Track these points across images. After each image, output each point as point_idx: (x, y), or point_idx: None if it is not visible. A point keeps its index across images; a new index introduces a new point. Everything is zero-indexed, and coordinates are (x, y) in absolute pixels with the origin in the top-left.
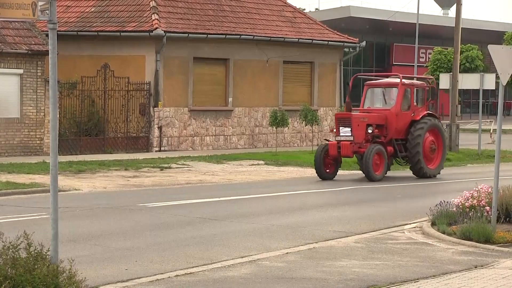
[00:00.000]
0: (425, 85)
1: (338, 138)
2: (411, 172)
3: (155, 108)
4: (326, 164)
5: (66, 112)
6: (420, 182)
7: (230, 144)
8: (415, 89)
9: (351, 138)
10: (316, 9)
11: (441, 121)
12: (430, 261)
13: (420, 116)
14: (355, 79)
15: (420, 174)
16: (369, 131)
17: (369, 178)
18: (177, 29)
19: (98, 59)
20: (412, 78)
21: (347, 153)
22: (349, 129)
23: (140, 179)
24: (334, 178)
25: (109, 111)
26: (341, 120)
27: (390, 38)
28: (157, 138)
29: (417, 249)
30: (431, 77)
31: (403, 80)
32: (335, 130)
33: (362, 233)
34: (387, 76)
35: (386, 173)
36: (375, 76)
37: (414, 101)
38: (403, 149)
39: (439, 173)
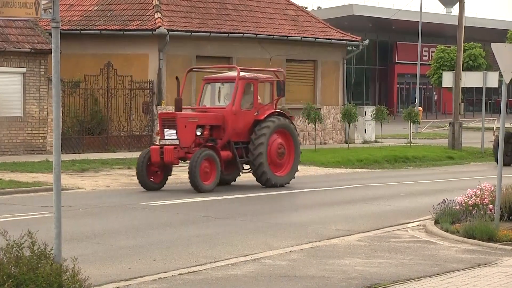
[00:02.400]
0: (273, 79)
1: (163, 141)
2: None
3: (158, 106)
4: (151, 172)
5: (69, 110)
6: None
7: None
8: (260, 83)
9: (177, 142)
10: (319, 7)
11: (446, 119)
12: (433, 259)
13: (265, 115)
14: (190, 73)
15: (264, 182)
16: (198, 133)
17: (196, 188)
18: (180, 28)
19: (101, 58)
20: (255, 71)
21: (170, 159)
22: (175, 131)
23: None
24: (162, 188)
25: (112, 110)
26: (166, 121)
27: (393, 36)
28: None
29: (420, 247)
30: (280, 69)
31: (243, 73)
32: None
33: (365, 232)
34: (229, 69)
35: (217, 183)
36: (213, 69)
37: (259, 97)
38: (244, 153)
39: (288, 183)
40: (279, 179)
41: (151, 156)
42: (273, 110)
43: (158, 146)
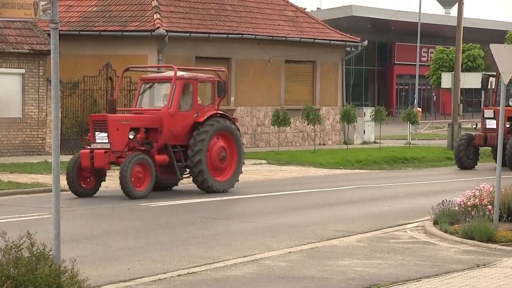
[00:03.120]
0: (214, 79)
1: (94, 145)
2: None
3: None
4: (83, 178)
5: (68, 111)
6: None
7: None
8: (200, 84)
9: (108, 146)
10: (318, 8)
11: (445, 120)
12: (432, 260)
13: (205, 117)
14: (127, 72)
15: (205, 187)
16: (131, 136)
17: (128, 195)
18: (179, 29)
19: (100, 59)
20: (195, 71)
21: (101, 164)
22: (106, 134)
23: None
24: (94, 195)
25: None
26: (97, 124)
27: (392, 37)
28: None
29: (419, 248)
30: (222, 69)
31: (181, 73)
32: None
33: (364, 232)
34: (165, 69)
35: (152, 188)
36: (151, 68)
37: (199, 98)
38: (183, 157)
39: (232, 187)
40: (221, 185)
41: (81, 161)
42: (214, 112)
43: (89, 150)
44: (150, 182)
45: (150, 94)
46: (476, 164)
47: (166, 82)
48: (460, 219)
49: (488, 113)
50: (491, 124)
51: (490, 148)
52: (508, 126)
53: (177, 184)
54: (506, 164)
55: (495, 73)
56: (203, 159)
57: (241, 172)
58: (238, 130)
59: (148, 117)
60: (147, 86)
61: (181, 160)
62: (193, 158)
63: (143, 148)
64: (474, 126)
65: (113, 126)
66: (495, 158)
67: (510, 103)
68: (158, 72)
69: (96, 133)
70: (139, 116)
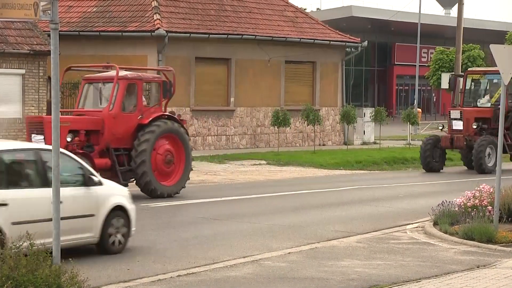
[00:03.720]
0: (160, 79)
1: None
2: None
3: None
4: None
5: (67, 113)
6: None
7: (232, 144)
8: (144, 83)
9: None
10: (318, 8)
11: (445, 121)
12: (432, 261)
13: (150, 119)
14: (69, 71)
15: (149, 192)
16: (68, 139)
17: None
18: (179, 29)
19: (100, 59)
20: (140, 70)
21: None
22: (42, 137)
23: None
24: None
25: None
26: (33, 126)
27: (392, 38)
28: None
29: (419, 249)
30: (170, 68)
31: (124, 73)
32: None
33: (364, 233)
34: (108, 68)
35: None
36: (92, 67)
37: (144, 99)
38: (127, 161)
39: (178, 192)
40: (167, 189)
41: None
42: (160, 113)
43: None
44: None
45: (94, 95)
46: (442, 168)
47: (110, 82)
48: (460, 220)
49: (455, 114)
50: (457, 125)
51: (458, 150)
52: (475, 127)
53: (126, 186)
54: (473, 166)
55: (463, 73)
56: (147, 160)
57: (189, 178)
58: (187, 133)
59: (89, 118)
60: (91, 86)
61: (124, 164)
62: (137, 159)
63: (81, 151)
64: (440, 128)
65: (49, 128)
66: (463, 160)
67: (478, 104)
68: (102, 72)
69: (33, 135)
70: (79, 118)
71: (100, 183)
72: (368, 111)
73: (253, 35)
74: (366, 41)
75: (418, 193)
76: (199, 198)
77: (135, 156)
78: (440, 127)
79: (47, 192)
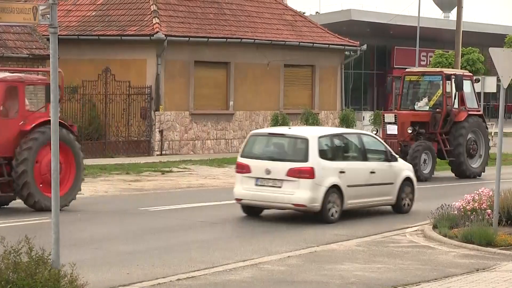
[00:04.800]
0: (45, 81)
1: None
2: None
3: (156, 112)
4: None
5: (67, 116)
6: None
7: (231, 148)
8: (28, 86)
9: None
10: (317, 12)
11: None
12: (431, 264)
13: (33, 125)
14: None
15: (31, 203)
16: None
17: None
18: (178, 33)
19: (99, 63)
20: (21, 71)
21: None
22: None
23: (142, 183)
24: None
25: (110, 115)
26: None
27: (391, 41)
28: (158, 142)
29: (418, 252)
30: (60, 70)
31: (3, 74)
32: None
33: (364, 237)
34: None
35: None
36: None
37: (27, 103)
38: (5, 171)
39: (67, 205)
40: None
41: None
42: (46, 119)
43: None
44: None
45: None
46: None
47: None
48: (460, 223)
49: (389, 117)
50: (391, 129)
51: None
52: (410, 131)
53: (15, 199)
54: None
55: (400, 75)
56: (28, 170)
57: (80, 189)
58: (78, 140)
59: None
60: None
61: (3, 174)
62: (17, 168)
63: None
64: (374, 132)
65: None
66: None
67: (415, 107)
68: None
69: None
70: None
71: (396, 160)
72: (367, 115)
73: (252, 39)
74: (365, 45)
75: (417, 197)
76: (198, 202)
77: (16, 165)
78: (374, 132)
79: (365, 164)
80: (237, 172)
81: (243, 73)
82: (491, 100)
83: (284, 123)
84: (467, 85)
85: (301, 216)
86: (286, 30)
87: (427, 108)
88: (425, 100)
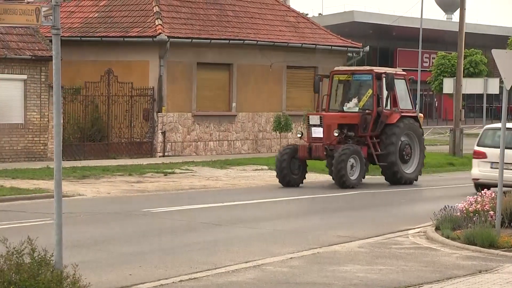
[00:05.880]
0: None
1: None
2: None
3: (159, 113)
4: None
5: (69, 117)
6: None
7: (233, 149)
8: None
9: None
10: (320, 14)
11: (447, 126)
12: (434, 265)
13: None
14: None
15: None
16: None
17: None
18: (180, 34)
19: (102, 65)
20: None
21: None
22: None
23: (144, 184)
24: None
25: (113, 117)
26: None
27: (393, 43)
28: (160, 143)
29: (421, 254)
30: None
31: None
32: None
33: (366, 238)
34: None
35: None
36: None
37: None
38: None
39: None
40: None
41: None
42: None
43: None
44: None
45: None
46: (302, 181)
47: None
48: (462, 225)
49: (314, 119)
50: (317, 132)
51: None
52: (336, 134)
53: None
54: (333, 178)
55: (328, 74)
56: None
57: None
58: None
59: None
60: None
61: None
62: None
63: None
64: (299, 135)
65: None
66: (330, 174)
67: (344, 108)
68: None
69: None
70: None
71: None
72: None
73: (254, 41)
74: (368, 46)
75: (420, 198)
76: (201, 203)
77: None
78: (299, 135)
79: None
80: (474, 158)
81: (245, 74)
82: (494, 102)
83: (287, 125)
84: (400, 85)
85: (304, 218)
86: (289, 31)
87: (356, 109)
88: (355, 101)
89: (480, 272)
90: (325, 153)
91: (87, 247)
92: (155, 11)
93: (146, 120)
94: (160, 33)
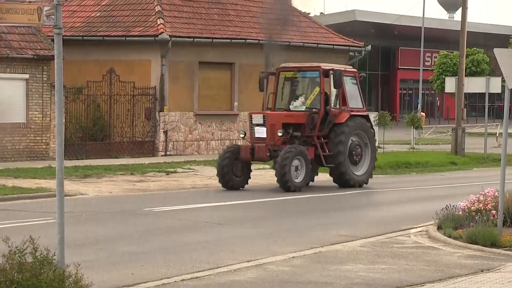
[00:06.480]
0: None
1: None
2: None
3: (161, 112)
4: None
5: (71, 117)
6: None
7: None
8: None
9: None
10: (321, 13)
11: (449, 125)
12: (436, 265)
13: None
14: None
15: None
16: None
17: None
18: (182, 34)
19: (104, 64)
20: None
21: None
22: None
23: (146, 183)
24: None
25: (115, 116)
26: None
27: (395, 42)
28: (162, 143)
29: (423, 253)
30: None
31: None
32: None
33: (368, 237)
34: None
35: None
36: None
37: None
38: None
39: None
40: None
41: None
42: None
43: None
44: None
45: None
46: (245, 185)
47: None
48: (464, 224)
49: (257, 118)
50: (260, 132)
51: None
52: (280, 134)
53: None
54: (277, 180)
55: (274, 71)
56: None
57: None
58: None
59: None
60: None
61: None
62: None
63: None
64: (242, 135)
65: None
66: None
67: (290, 107)
68: None
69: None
70: None
71: None
72: (372, 115)
73: (256, 40)
74: (370, 45)
75: (422, 197)
76: (203, 202)
77: None
78: (242, 135)
79: None
80: None
81: (247, 73)
82: (496, 101)
83: None
84: (350, 83)
85: (305, 217)
86: (291, 31)
87: (303, 108)
88: (302, 99)
89: (482, 271)
90: (268, 154)
91: (89, 246)
92: (157, 10)
93: (148, 120)
94: (162, 33)
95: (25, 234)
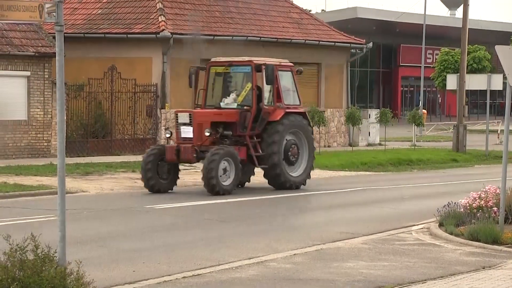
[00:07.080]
0: None
1: None
2: None
3: (162, 109)
4: None
5: (73, 114)
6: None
7: None
8: None
9: None
10: (323, 10)
11: (451, 122)
12: (437, 262)
13: None
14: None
15: None
16: None
17: None
18: (184, 31)
19: (105, 61)
20: None
21: None
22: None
23: None
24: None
25: (116, 113)
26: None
27: (397, 39)
28: (164, 140)
29: (424, 250)
30: None
31: None
32: None
33: (370, 234)
34: None
35: None
36: None
37: None
38: None
39: None
40: None
41: None
42: None
43: None
44: None
45: None
46: (173, 187)
47: None
48: (466, 221)
49: (183, 117)
50: (186, 132)
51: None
52: (208, 134)
53: None
54: (204, 185)
55: (205, 66)
56: None
57: None
58: None
59: None
60: None
61: None
62: None
63: None
64: (168, 135)
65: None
66: None
67: (221, 104)
68: None
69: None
70: None
71: None
72: (373, 113)
73: (258, 37)
74: (371, 43)
75: (423, 195)
76: (204, 199)
77: None
78: (167, 135)
79: None
80: None
81: None
82: (497, 98)
83: None
84: (285, 78)
85: (307, 214)
86: (292, 28)
87: (235, 105)
88: (234, 96)
89: (483, 268)
90: (195, 155)
91: (91, 244)
92: (158, 7)
93: (149, 117)
94: (163, 30)
95: (27, 231)
